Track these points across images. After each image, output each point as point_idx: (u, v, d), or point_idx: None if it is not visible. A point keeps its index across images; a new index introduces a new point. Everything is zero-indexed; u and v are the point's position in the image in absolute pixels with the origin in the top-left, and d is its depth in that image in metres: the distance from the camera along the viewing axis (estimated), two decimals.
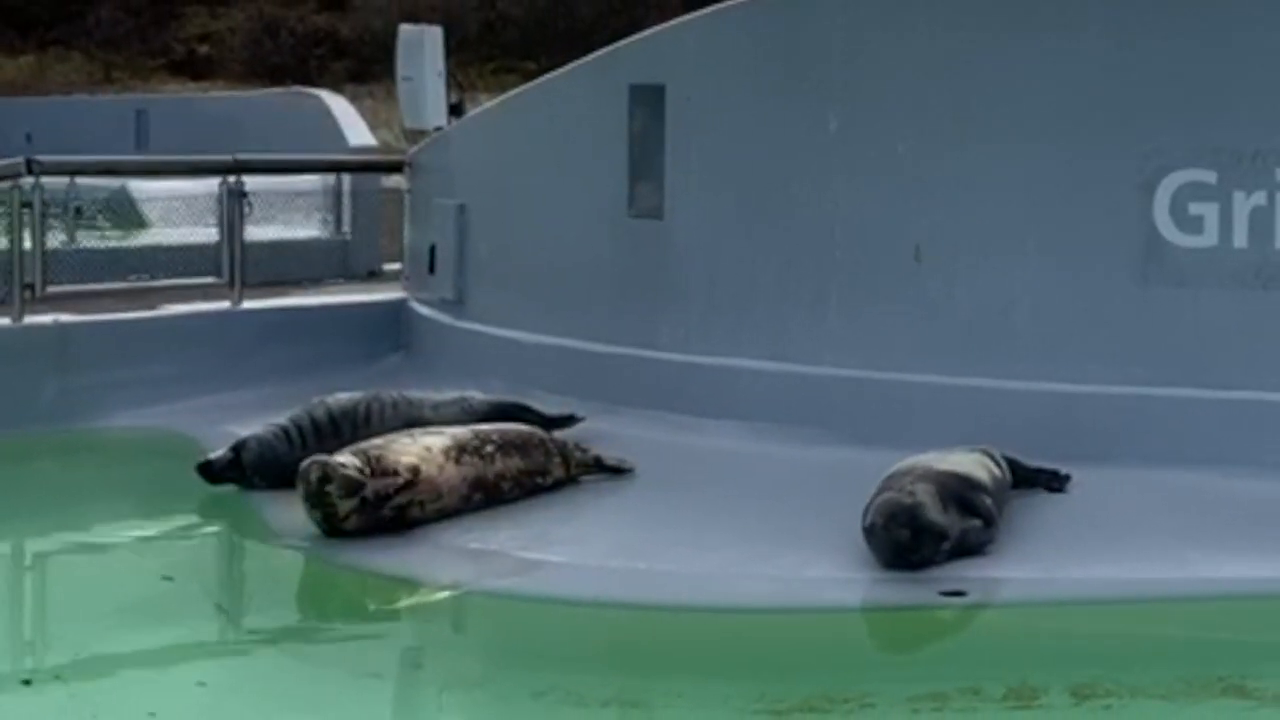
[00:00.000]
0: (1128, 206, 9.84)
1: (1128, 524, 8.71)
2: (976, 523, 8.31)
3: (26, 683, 7.38)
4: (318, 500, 8.95)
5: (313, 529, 9.03)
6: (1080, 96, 9.98)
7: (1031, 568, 8.18)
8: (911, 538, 8.01)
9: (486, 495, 9.39)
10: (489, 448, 9.50)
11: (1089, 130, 9.97)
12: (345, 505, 8.92)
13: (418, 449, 9.27)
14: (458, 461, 9.34)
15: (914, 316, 10.29)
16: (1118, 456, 9.32)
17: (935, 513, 8.12)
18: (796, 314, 10.69)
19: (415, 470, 9.12)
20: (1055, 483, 9.22)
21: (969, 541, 8.25)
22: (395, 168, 15.18)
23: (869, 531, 8.12)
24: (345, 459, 9.07)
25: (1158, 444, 9.38)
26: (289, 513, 9.20)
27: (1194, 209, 9.72)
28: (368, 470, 8.99)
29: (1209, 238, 9.72)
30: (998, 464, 8.87)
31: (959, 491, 8.31)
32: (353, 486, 8.94)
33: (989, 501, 8.43)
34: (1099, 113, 9.95)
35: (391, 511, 9.03)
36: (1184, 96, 9.80)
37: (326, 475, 8.95)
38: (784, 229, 10.84)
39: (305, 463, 9.07)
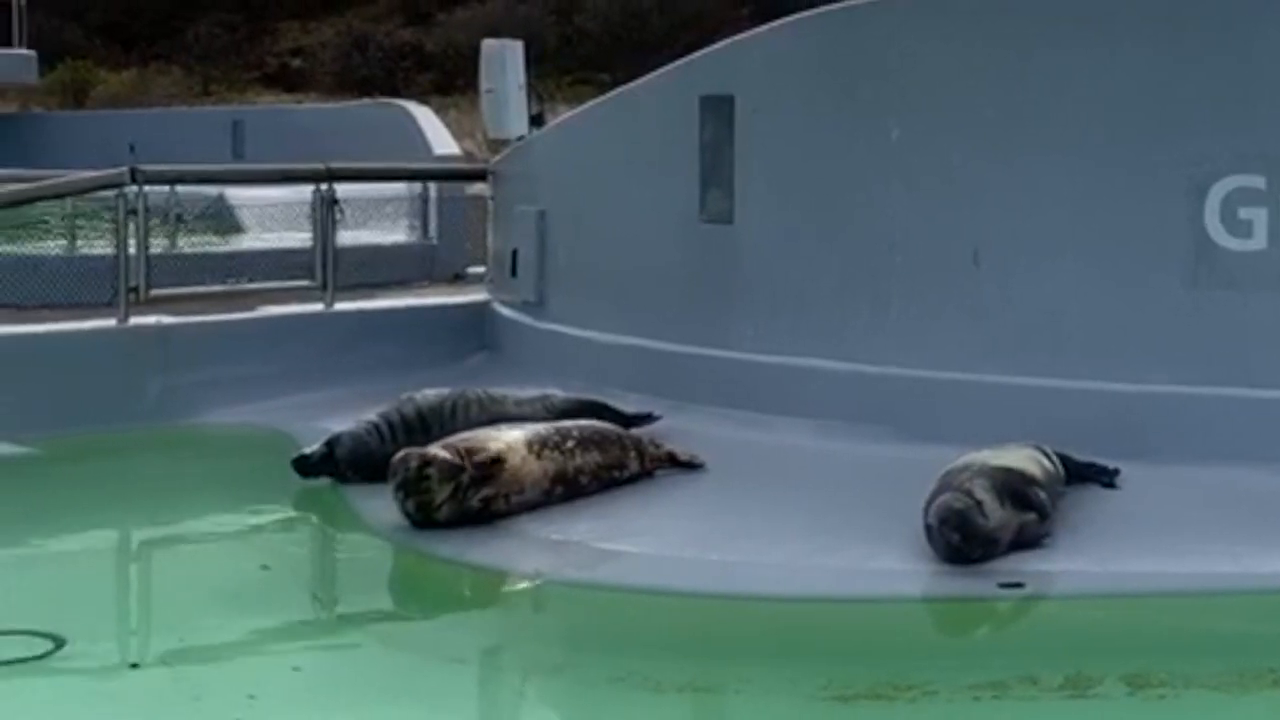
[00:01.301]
0: (1178, 211, 9.71)
1: (1179, 519, 8.60)
2: (1032, 517, 8.23)
3: (134, 666, 7.43)
4: (414, 488, 8.91)
5: (402, 521, 9.02)
6: (1130, 105, 9.87)
7: (1086, 560, 8.09)
8: (962, 540, 7.95)
9: (567, 489, 9.36)
10: (569, 443, 9.47)
11: (1139, 137, 9.86)
12: (442, 492, 8.89)
13: (502, 443, 9.27)
14: (539, 456, 9.32)
15: (971, 318, 10.20)
16: (1168, 454, 9.19)
17: (993, 511, 8.03)
18: (858, 315, 10.63)
19: (502, 461, 9.12)
20: (1106, 477, 9.11)
21: (1025, 535, 8.18)
22: (479, 176, 15.20)
23: (927, 530, 8.07)
24: (437, 450, 9.09)
25: (1207, 442, 9.25)
26: (380, 505, 9.20)
27: (1243, 214, 9.59)
28: (459, 459, 9.00)
29: (1258, 241, 9.59)
30: (1050, 459, 8.78)
31: (1015, 486, 8.22)
32: (452, 471, 8.93)
33: (1043, 496, 8.35)
34: (1149, 120, 9.84)
35: (478, 504, 9.01)
36: (1233, 103, 9.67)
37: (426, 461, 8.95)
38: (847, 233, 10.78)
39: (400, 454, 9.07)
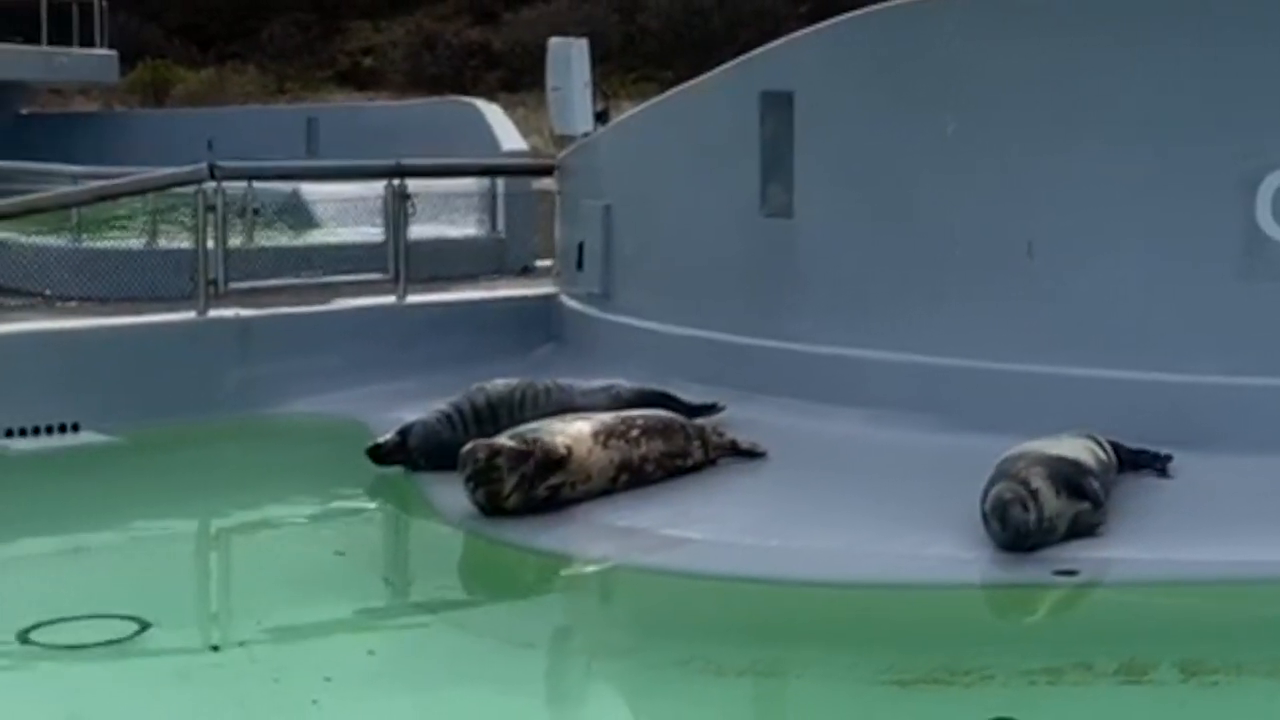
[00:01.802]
0: (1229, 203, 9.64)
1: (1231, 508, 8.54)
2: (1086, 505, 8.21)
3: (215, 649, 7.48)
4: (484, 477, 8.95)
5: (472, 509, 9.06)
6: (1183, 98, 9.78)
7: (1139, 548, 8.06)
8: (1014, 536, 7.93)
9: (632, 476, 9.39)
10: (634, 432, 9.50)
11: (1191, 131, 9.78)
12: (510, 480, 8.92)
13: (569, 433, 9.29)
14: (605, 445, 9.34)
15: (1026, 309, 10.14)
16: (1220, 444, 9.11)
17: (1048, 500, 8.01)
18: (916, 307, 10.60)
19: (568, 451, 9.14)
20: (1158, 465, 9.05)
21: (1080, 524, 8.16)
22: (546, 171, 15.16)
23: (984, 518, 8.05)
24: (505, 440, 9.12)
25: (1259, 431, 9.17)
26: (451, 492, 9.23)
27: None
28: (527, 448, 9.04)
29: None
30: (1104, 448, 8.74)
31: (1070, 476, 8.20)
32: (520, 457, 8.96)
33: (1097, 485, 8.32)
34: (1201, 114, 9.75)
35: (546, 491, 9.05)
36: None
37: (495, 451, 8.99)
38: (904, 226, 10.74)
39: (469, 446, 9.11)
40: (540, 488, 9.04)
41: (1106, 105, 9.97)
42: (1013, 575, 7.88)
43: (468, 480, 9.03)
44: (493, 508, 8.98)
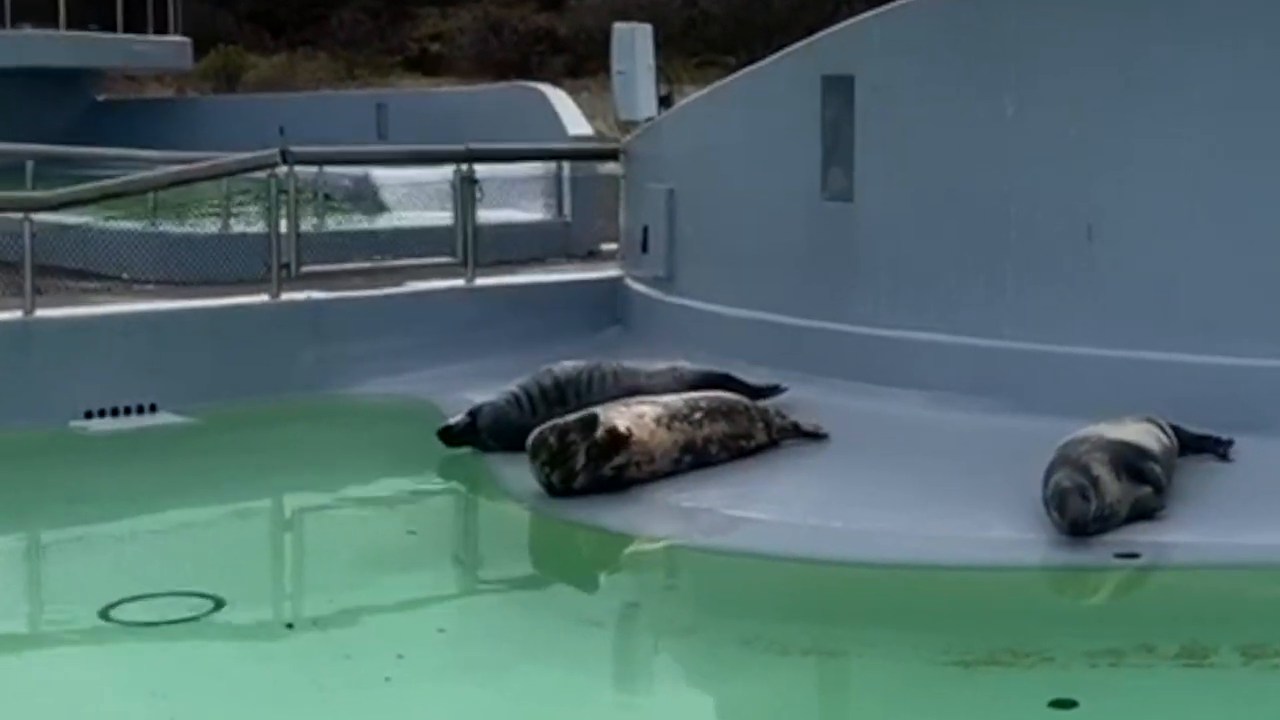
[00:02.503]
0: None
1: None
2: (1148, 490, 8.13)
3: (289, 626, 7.55)
4: (560, 458, 8.94)
5: (540, 490, 9.06)
6: (1248, 78, 9.61)
7: (1200, 532, 7.97)
8: (1074, 525, 7.85)
9: (696, 458, 9.37)
10: (698, 414, 9.48)
11: (1254, 111, 9.60)
12: (581, 457, 8.91)
13: (632, 415, 9.28)
14: (669, 427, 9.32)
15: (1085, 292, 10.03)
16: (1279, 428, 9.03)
17: (1109, 486, 7.92)
18: (974, 290, 10.49)
19: (629, 431, 9.13)
20: (1220, 449, 8.93)
21: (1141, 507, 8.07)
22: (610, 155, 15.15)
23: (1045, 502, 7.98)
24: (569, 419, 9.13)
25: None
26: (520, 473, 9.24)
27: None
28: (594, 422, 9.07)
29: None
30: (1165, 432, 8.64)
31: (1131, 460, 8.11)
32: (590, 423, 8.98)
33: (1159, 469, 8.23)
34: (1265, 94, 9.57)
35: (611, 471, 9.05)
36: None
37: (565, 429, 8.99)
38: (963, 209, 10.64)
39: (537, 433, 9.10)
40: (605, 467, 9.03)
41: (1169, 84, 9.80)
42: (1074, 558, 7.81)
43: (544, 465, 9.03)
44: (564, 487, 8.97)
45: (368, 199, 15.22)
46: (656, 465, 9.21)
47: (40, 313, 11.38)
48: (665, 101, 15.50)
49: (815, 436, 9.88)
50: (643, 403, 9.54)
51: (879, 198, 11.12)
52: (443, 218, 13.73)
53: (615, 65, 15.36)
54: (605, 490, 9.00)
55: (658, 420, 9.30)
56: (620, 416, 9.23)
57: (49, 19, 33.11)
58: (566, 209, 16.15)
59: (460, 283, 13.18)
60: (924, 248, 10.85)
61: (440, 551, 8.82)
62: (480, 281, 13.23)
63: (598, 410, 9.33)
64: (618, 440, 9.08)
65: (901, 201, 11.01)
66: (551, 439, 9.01)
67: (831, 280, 11.36)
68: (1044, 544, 7.92)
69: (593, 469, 8.99)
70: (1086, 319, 10.00)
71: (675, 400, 9.61)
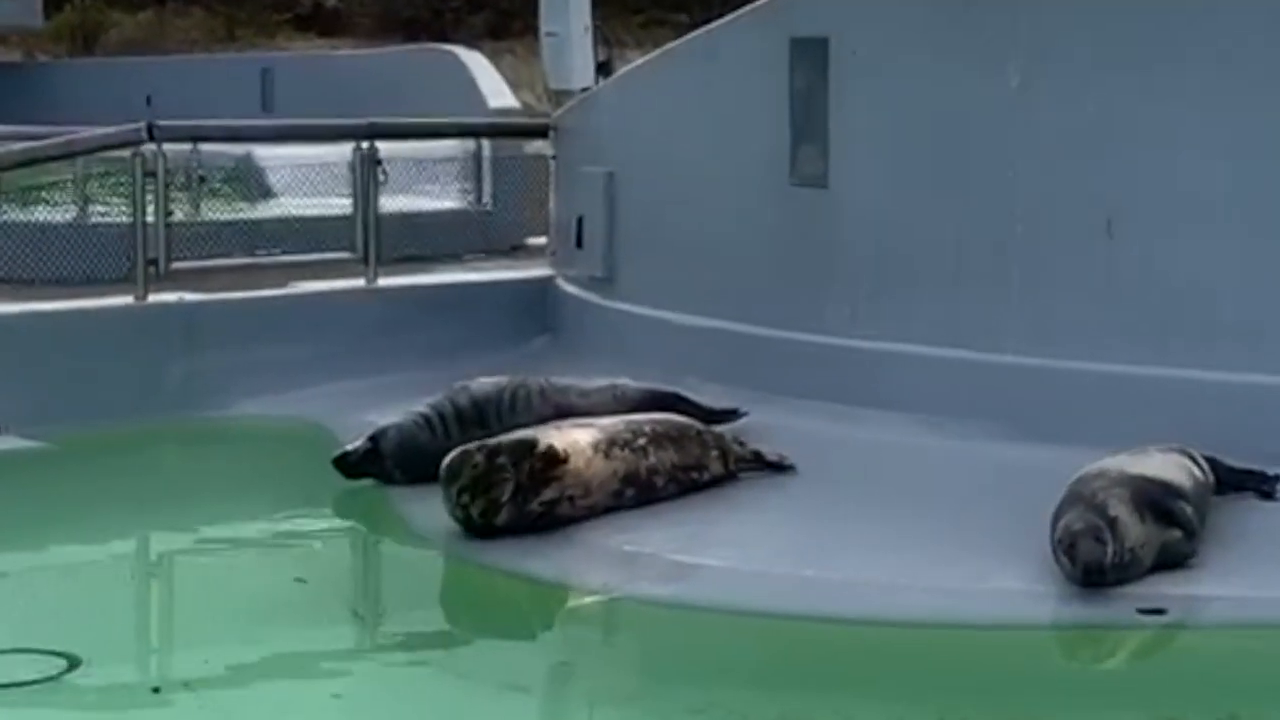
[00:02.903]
0: None
1: None
2: (1176, 533, 8.13)
3: (155, 690, 7.47)
4: (484, 483, 8.90)
5: (455, 528, 9.05)
6: None
7: (1239, 584, 7.98)
8: (1086, 573, 7.84)
9: (639, 492, 9.36)
10: (641, 440, 9.47)
11: None
12: (509, 486, 8.89)
13: (565, 440, 9.25)
14: (608, 455, 9.32)
15: (1105, 298, 10.06)
16: None
17: (1130, 528, 7.92)
18: (974, 294, 10.53)
19: (566, 456, 9.10)
20: (1265, 486, 8.94)
21: (1169, 554, 8.07)
22: (539, 132, 15.19)
23: (1054, 548, 7.98)
24: (500, 440, 9.14)
25: None
26: (431, 509, 9.23)
27: None
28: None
29: None
30: (1199, 466, 8.64)
31: (1157, 498, 8.11)
32: (528, 446, 8.97)
33: (1190, 510, 8.22)
34: None
35: (540, 507, 9.02)
36: None
37: (495, 450, 8.96)
38: (961, 198, 10.66)
39: (457, 451, 9.07)
40: (534, 502, 9.01)
41: (1207, 49, 9.82)
42: (1089, 614, 7.80)
43: (461, 492, 8.98)
44: (484, 524, 8.94)
45: (250, 183, 15.18)
46: (593, 499, 9.20)
47: None
48: (604, 68, 15.52)
49: (780, 468, 9.89)
50: (577, 425, 9.52)
51: (859, 183, 11.14)
52: (340, 206, 13.71)
53: (545, 25, 15.38)
54: (532, 530, 8.98)
55: (595, 446, 9.29)
56: (552, 439, 9.21)
57: None
58: (487, 196, 16.16)
59: (360, 283, 13.18)
60: (913, 243, 10.87)
61: (335, 603, 8.76)
62: (384, 282, 13.23)
63: (535, 433, 9.30)
64: (554, 465, 9.05)
65: (886, 188, 11.03)
66: (478, 458, 8.99)
67: (803, 282, 11.39)
68: (1054, 597, 7.92)
69: (520, 502, 8.97)
70: (1106, 329, 10.02)
71: (615, 423, 9.59)
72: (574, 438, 9.32)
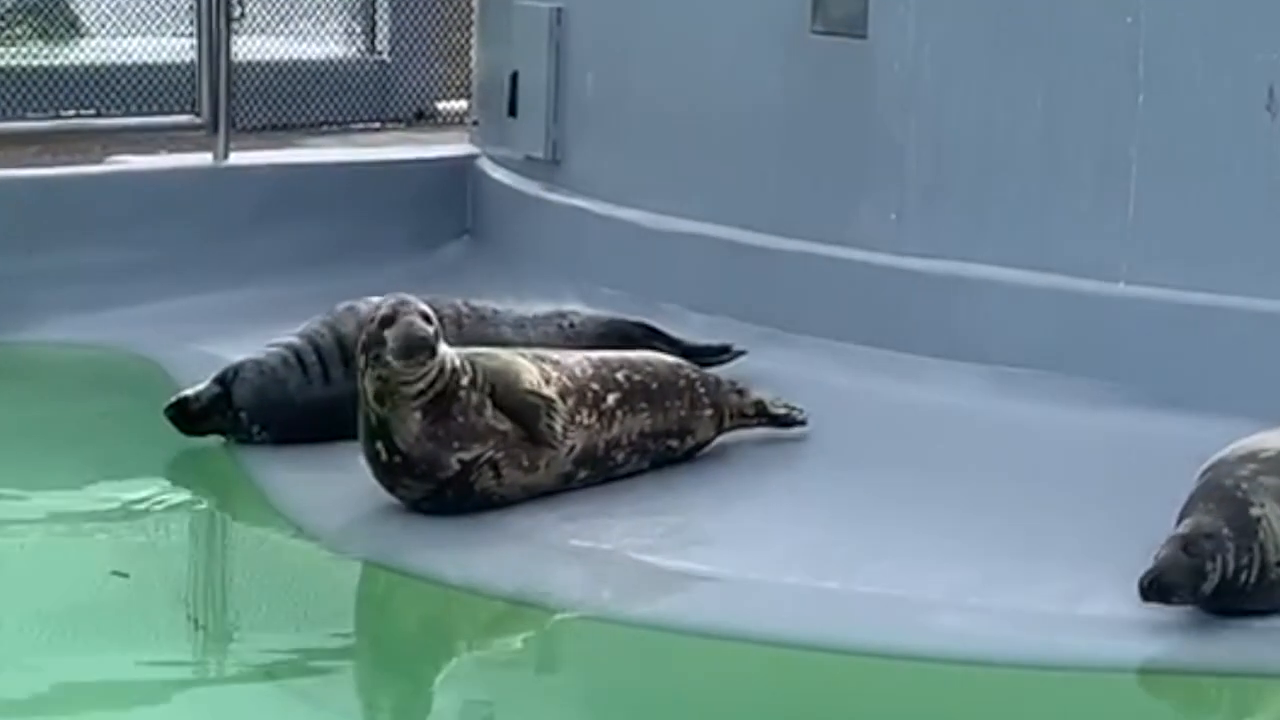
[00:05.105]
0: None
1: None
2: None
3: None
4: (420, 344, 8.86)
5: (332, 508, 9.08)
6: None
7: None
8: (1211, 594, 7.92)
9: (596, 467, 9.42)
10: (611, 395, 9.44)
11: None
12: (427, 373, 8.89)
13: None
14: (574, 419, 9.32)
15: (1260, 205, 10.14)
16: None
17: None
18: (1073, 198, 10.61)
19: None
20: None
21: None
22: None
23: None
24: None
25: None
26: (302, 479, 9.38)
27: None
28: None
29: None
30: None
31: None
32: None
33: None
34: None
35: (457, 465, 8.96)
36: None
37: (426, 314, 8.95)
38: (1055, 61, 10.72)
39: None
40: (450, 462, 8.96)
41: None
42: (1213, 653, 7.87)
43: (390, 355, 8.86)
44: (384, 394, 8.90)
45: (56, 17, 15.15)
46: (536, 477, 9.23)
47: None
48: None
49: (790, 423, 9.99)
50: (517, 358, 9.41)
51: (910, 33, 11.19)
52: (178, 49, 13.78)
53: None
54: (451, 513, 9.04)
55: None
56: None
57: None
58: (382, 40, 16.14)
59: (206, 159, 13.25)
60: (988, 122, 10.93)
61: (166, 607, 8.76)
62: (239, 159, 13.31)
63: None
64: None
65: (947, 40, 11.09)
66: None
67: (828, 173, 11.45)
68: (1170, 627, 7.96)
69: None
70: (1261, 248, 10.09)
71: (570, 362, 9.51)
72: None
